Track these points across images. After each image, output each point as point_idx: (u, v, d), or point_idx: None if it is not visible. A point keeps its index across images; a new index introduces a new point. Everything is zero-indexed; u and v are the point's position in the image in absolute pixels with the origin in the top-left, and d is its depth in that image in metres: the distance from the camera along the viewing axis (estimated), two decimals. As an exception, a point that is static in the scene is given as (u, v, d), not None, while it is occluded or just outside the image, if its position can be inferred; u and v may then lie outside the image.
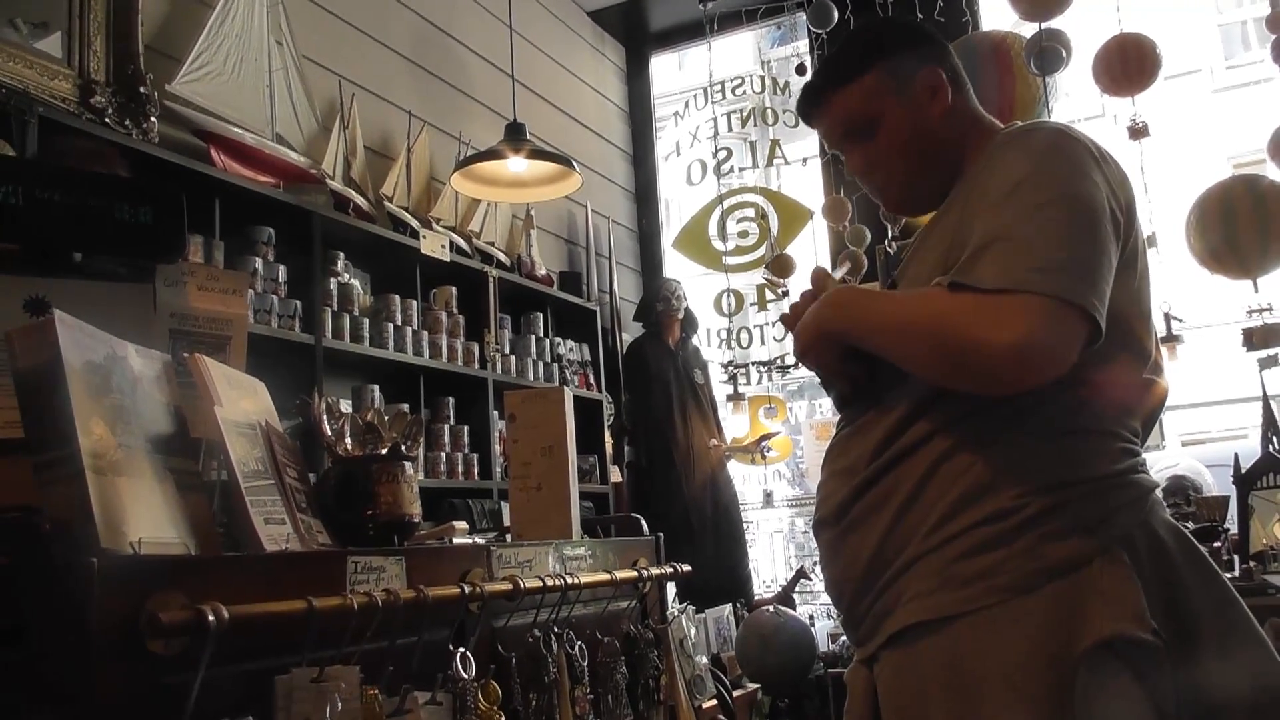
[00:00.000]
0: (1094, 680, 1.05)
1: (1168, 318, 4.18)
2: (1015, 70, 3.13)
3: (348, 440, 1.32)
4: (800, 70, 4.71)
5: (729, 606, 4.20)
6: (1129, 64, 2.99)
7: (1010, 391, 1.12)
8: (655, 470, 4.72)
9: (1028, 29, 3.13)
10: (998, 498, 1.13)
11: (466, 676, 1.16)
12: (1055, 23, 2.91)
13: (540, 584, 1.33)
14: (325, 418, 1.32)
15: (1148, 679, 1.05)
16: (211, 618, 0.87)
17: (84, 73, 2.69)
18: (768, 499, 5.17)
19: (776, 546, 6.29)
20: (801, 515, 5.55)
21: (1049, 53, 2.74)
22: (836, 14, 4.23)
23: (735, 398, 4.91)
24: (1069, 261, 1.08)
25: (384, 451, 1.32)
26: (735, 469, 4.98)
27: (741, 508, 4.93)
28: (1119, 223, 1.16)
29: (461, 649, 1.18)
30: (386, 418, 1.38)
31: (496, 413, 3.82)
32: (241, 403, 1.20)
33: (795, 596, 4.64)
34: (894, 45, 1.34)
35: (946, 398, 1.17)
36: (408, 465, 1.33)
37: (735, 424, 5.03)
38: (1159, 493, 1.21)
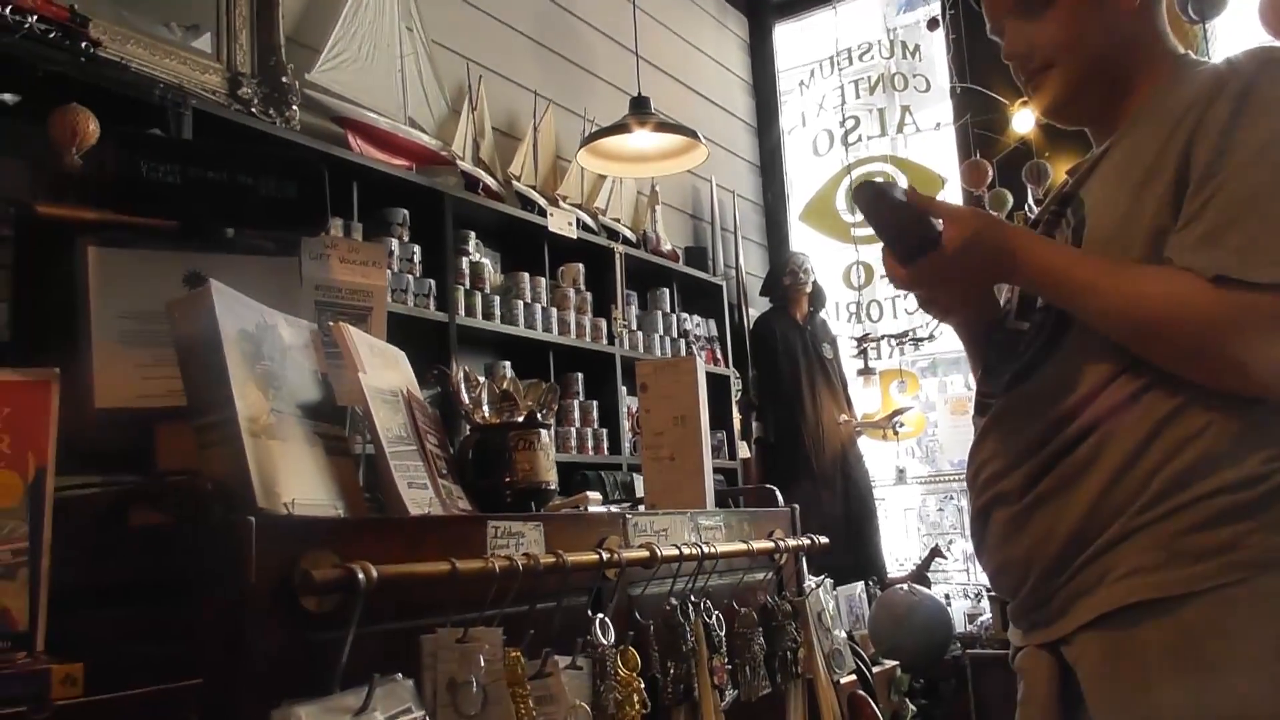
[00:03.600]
0: None
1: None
2: (1170, 18, 2.92)
3: (485, 408, 1.33)
4: (932, 25, 4.50)
5: (861, 584, 4.12)
6: (1300, 4, 2.75)
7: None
8: (784, 446, 4.67)
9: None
10: (1240, 464, 1.01)
11: (606, 642, 1.16)
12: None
13: (677, 552, 1.32)
14: (463, 386, 1.34)
15: None
16: (361, 576, 0.88)
17: (231, 66, 2.82)
18: (900, 476, 5.05)
19: (909, 525, 6.14)
20: (934, 494, 5.38)
21: (1209, -5, 2.54)
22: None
23: (865, 372, 4.81)
24: None
25: (520, 419, 1.33)
26: (866, 445, 4.87)
27: (873, 485, 4.82)
28: None
29: (600, 615, 1.18)
30: (524, 386, 1.40)
31: (625, 388, 3.84)
32: (384, 371, 1.22)
33: (929, 576, 4.53)
34: None
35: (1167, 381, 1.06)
36: (543, 433, 1.34)
37: (866, 399, 4.92)
38: None
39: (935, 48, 4.96)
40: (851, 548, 4.43)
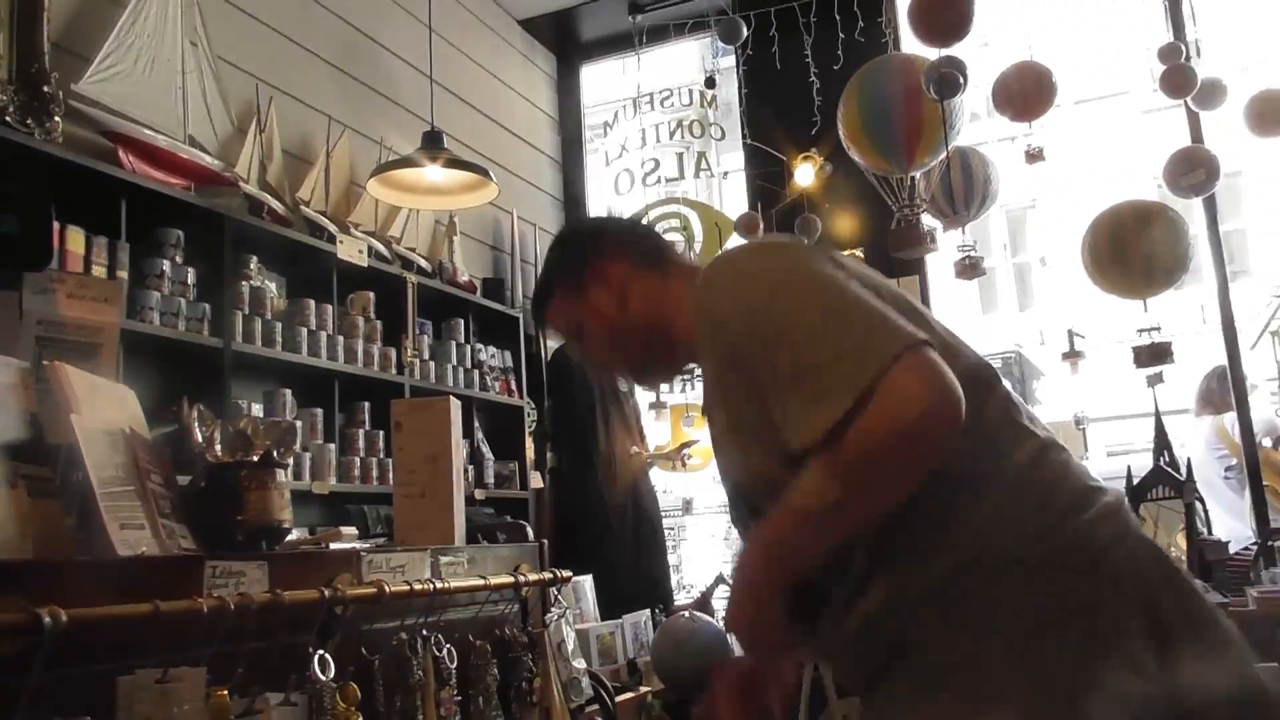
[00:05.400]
0: None
1: (1070, 335, 4.36)
2: (923, 95, 3.23)
3: (218, 447, 1.34)
4: (709, 83, 4.84)
5: (647, 612, 4.25)
6: (1026, 90, 3.12)
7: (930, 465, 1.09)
8: (577, 476, 4.75)
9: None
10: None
11: (324, 678, 1.19)
12: (995, 49, 3.03)
13: (408, 588, 1.36)
14: (196, 425, 1.34)
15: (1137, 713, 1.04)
16: (48, 620, 0.89)
17: (-15, 70, 2.66)
18: (687, 506, 5.24)
19: (704, 553, 6.35)
20: (725, 521, 5.62)
21: (947, 79, 2.84)
22: (745, 30, 4.42)
23: (658, 406, 4.98)
24: (852, 349, 1.06)
25: (255, 459, 1.35)
26: (659, 476, 5.04)
27: (662, 515, 4.99)
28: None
29: (320, 651, 1.21)
30: (262, 426, 1.41)
31: (413, 418, 3.81)
32: (105, 410, 1.22)
33: (714, 603, 4.71)
34: (568, 259, 1.42)
35: (884, 537, 1.13)
36: (279, 472, 1.36)
37: (657, 431, 5.09)
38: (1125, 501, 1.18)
39: (734, 96, 5.24)
40: (640, 575, 4.56)
